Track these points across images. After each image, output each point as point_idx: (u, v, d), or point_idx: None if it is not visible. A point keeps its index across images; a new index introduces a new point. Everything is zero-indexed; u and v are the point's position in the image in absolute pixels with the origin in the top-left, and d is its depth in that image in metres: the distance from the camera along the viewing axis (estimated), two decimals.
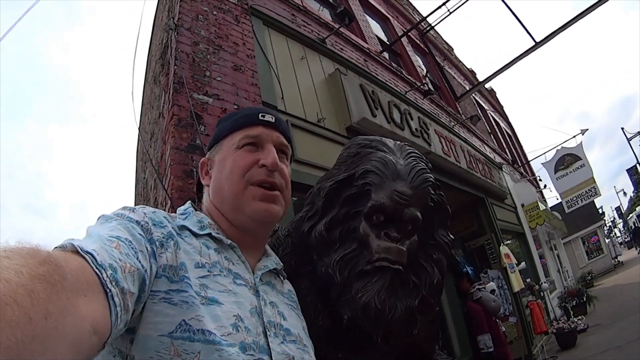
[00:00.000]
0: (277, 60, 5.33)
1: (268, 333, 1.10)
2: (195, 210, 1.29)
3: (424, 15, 11.50)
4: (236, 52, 4.67)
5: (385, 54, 9.30)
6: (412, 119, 7.14)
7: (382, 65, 8.39)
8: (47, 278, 0.60)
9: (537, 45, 8.70)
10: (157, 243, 0.99)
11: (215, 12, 4.81)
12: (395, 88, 7.92)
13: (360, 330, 1.55)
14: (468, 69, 17.97)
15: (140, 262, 0.87)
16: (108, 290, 0.72)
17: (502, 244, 9.42)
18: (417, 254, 1.64)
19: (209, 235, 1.19)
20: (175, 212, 1.29)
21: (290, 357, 1.13)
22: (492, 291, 6.49)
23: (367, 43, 8.57)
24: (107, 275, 0.73)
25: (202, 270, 1.06)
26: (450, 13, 10.25)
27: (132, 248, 0.89)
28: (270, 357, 1.06)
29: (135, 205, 1.11)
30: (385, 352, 1.64)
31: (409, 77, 9.56)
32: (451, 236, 1.85)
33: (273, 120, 1.37)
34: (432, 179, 1.67)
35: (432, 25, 11.36)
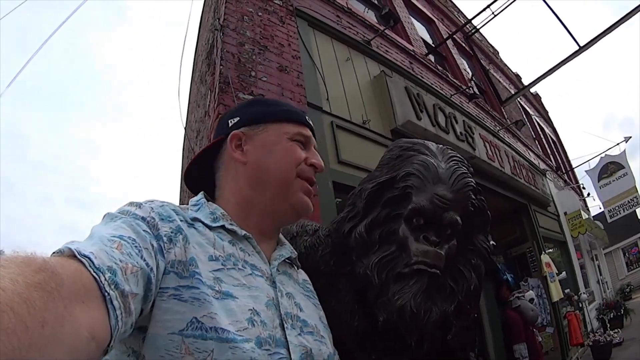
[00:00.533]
0: (322, 62, 5.39)
1: (285, 325, 1.11)
2: (208, 201, 1.28)
3: (469, 17, 11.41)
4: (281, 52, 4.75)
5: (431, 57, 9.26)
6: (457, 123, 7.11)
7: (427, 68, 8.37)
8: (43, 286, 0.60)
9: (581, 49, 8.58)
10: (164, 238, 0.98)
11: (260, 13, 4.88)
12: (440, 91, 7.89)
13: (395, 333, 1.54)
14: (513, 73, 17.72)
15: (144, 260, 0.86)
16: (106, 293, 0.71)
17: (543, 253, 9.27)
18: (455, 259, 1.63)
19: (223, 227, 1.18)
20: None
21: (307, 349, 1.13)
22: (531, 300, 6.41)
23: (412, 45, 8.54)
24: (105, 279, 0.72)
25: (216, 264, 1.05)
26: (495, 16, 10.15)
27: (136, 246, 0.87)
28: (288, 350, 1.06)
29: (145, 200, 1.10)
30: (418, 356, 1.62)
31: (454, 80, 9.50)
32: (492, 242, 1.83)
33: (313, 126, 1.46)
34: (473, 184, 1.66)
35: (477, 27, 11.26)
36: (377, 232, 1.61)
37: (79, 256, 0.71)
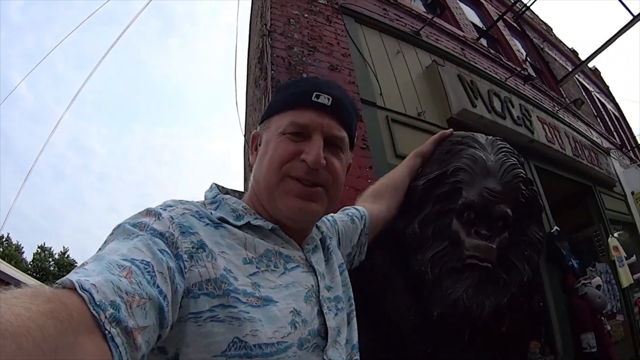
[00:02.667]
0: (372, 57, 5.37)
1: (324, 310, 1.10)
2: (223, 193, 1.20)
3: None
4: (331, 52, 4.78)
5: (483, 41, 9.07)
6: (513, 107, 6.92)
7: (479, 53, 8.18)
8: (55, 315, 0.60)
9: (635, 18, 8.20)
10: (184, 256, 0.91)
11: (306, 15, 4.92)
12: (494, 75, 7.71)
13: (449, 326, 1.59)
14: (569, 49, 17.16)
15: (157, 287, 0.80)
16: (106, 332, 0.67)
17: (611, 236, 8.90)
18: (508, 251, 1.66)
19: (248, 224, 1.10)
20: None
21: (339, 326, 1.15)
22: (598, 286, 6.16)
23: (462, 31, 8.38)
24: (105, 317, 0.67)
25: (250, 267, 1.01)
26: None
27: (149, 272, 0.81)
28: (326, 336, 1.08)
29: (164, 204, 1.04)
30: (473, 348, 1.66)
31: (508, 62, 9.26)
32: (556, 228, 1.86)
33: (328, 103, 1.17)
34: (522, 175, 1.69)
35: (527, 5, 10.97)
36: (430, 228, 1.66)
37: (79, 291, 0.67)
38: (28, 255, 43.18)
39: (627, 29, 8.48)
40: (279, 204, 1.13)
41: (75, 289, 0.67)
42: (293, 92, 1.21)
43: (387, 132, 4.86)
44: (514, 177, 1.65)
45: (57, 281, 0.71)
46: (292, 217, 1.15)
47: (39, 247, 43.43)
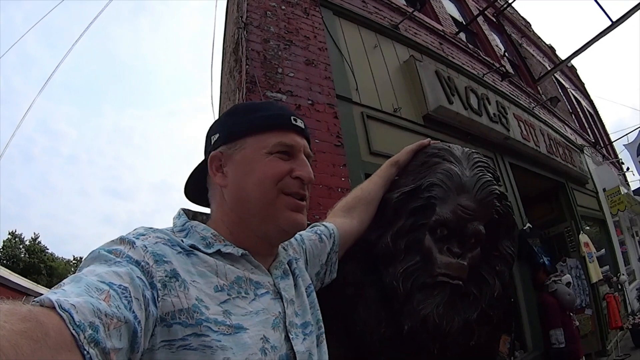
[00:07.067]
0: (350, 51, 5.31)
1: (291, 336, 1.13)
2: (190, 217, 1.24)
3: None
4: (307, 46, 4.70)
5: (462, 35, 9.04)
6: (489, 104, 6.94)
7: (458, 48, 8.14)
8: (30, 334, 0.60)
9: (614, 24, 8.28)
10: (158, 285, 0.93)
11: (283, 7, 4.81)
12: (472, 71, 7.70)
13: (419, 340, 1.60)
14: (547, 45, 17.25)
15: (133, 312, 0.81)
16: (85, 352, 0.67)
17: (581, 232, 9.00)
18: (479, 266, 1.67)
19: (218, 251, 1.13)
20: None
21: (309, 350, 1.17)
22: (568, 284, 6.26)
23: (441, 25, 8.32)
24: (84, 337, 0.68)
25: (222, 294, 1.04)
26: None
27: (126, 297, 0.82)
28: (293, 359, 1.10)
29: (136, 233, 1.06)
30: None
31: (486, 58, 9.23)
32: (528, 225, 1.88)
33: (303, 127, 1.30)
34: (497, 191, 1.69)
35: (509, 2, 10.99)
36: (402, 242, 1.65)
37: (59, 310, 0.68)
38: None
39: (606, 34, 8.58)
40: (279, 219, 1.20)
41: (54, 308, 0.68)
42: (270, 114, 1.27)
43: (362, 128, 4.82)
44: (488, 194, 1.65)
45: (35, 299, 0.72)
46: (290, 229, 1.24)
47: (9, 234, 42.16)
